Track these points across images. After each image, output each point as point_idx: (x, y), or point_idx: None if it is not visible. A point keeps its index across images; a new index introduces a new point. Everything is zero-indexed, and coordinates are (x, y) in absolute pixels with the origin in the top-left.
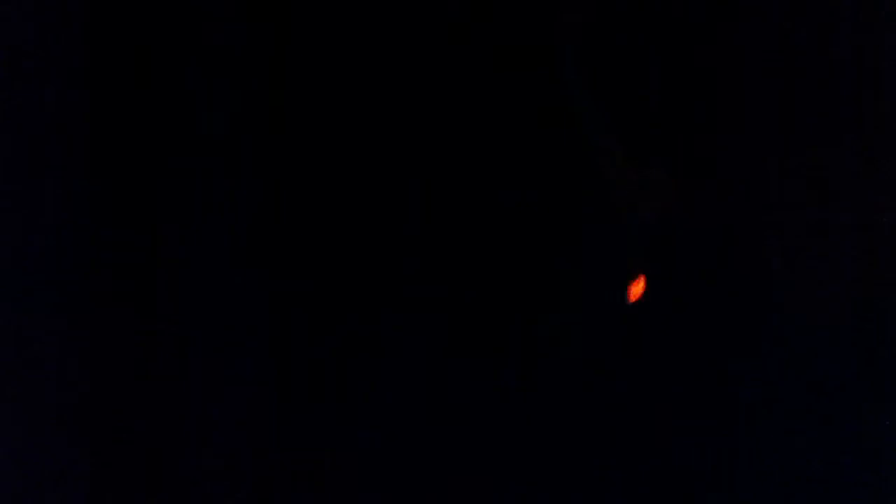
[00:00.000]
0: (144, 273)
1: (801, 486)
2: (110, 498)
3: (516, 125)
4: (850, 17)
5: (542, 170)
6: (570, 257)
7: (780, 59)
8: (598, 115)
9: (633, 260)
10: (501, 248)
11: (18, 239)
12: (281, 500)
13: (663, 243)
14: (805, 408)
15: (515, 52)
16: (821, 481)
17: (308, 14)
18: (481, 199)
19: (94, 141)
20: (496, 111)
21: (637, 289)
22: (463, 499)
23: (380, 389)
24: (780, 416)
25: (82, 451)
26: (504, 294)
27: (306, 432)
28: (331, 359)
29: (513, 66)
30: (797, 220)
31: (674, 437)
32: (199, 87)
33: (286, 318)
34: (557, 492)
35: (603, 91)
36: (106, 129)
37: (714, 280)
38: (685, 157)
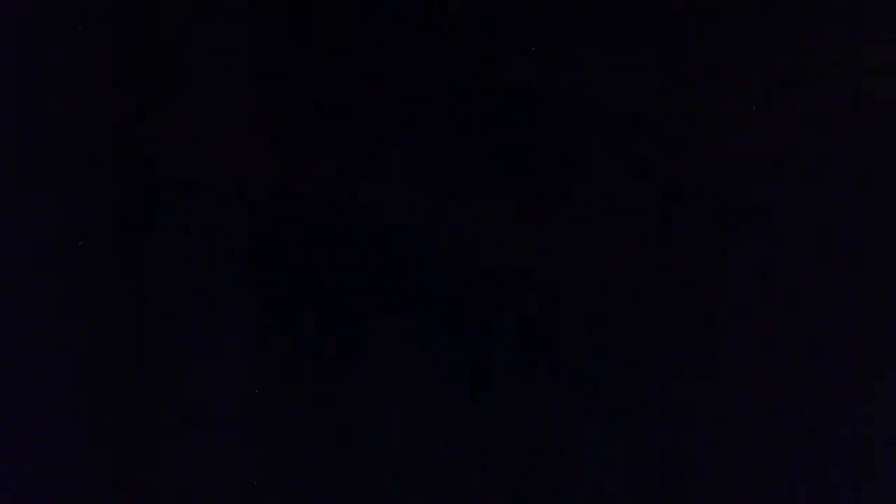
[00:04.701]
0: (144, 273)
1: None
2: (110, 496)
3: None
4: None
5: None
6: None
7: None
8: None
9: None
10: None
11: (19, 239)
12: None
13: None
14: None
15: None
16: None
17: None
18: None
19: (94, 141)
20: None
21: None
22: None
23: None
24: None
25: (81, 450)
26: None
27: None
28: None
29: None
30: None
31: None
32: (200, 86)
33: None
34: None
35: None
36: (106, 129)
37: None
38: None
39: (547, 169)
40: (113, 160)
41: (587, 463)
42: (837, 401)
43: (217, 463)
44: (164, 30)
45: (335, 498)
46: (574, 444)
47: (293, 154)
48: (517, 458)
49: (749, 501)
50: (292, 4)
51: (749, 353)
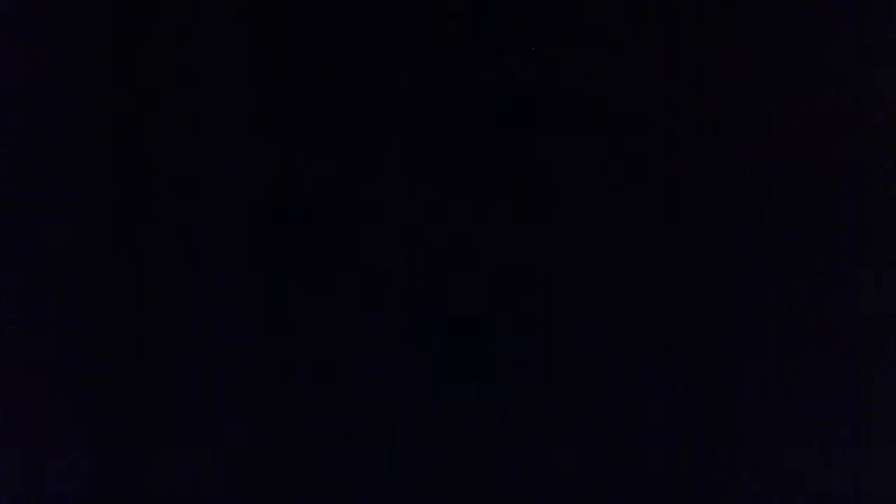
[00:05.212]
0: (144, 273)
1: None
2: (109, 496)
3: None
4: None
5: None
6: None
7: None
8: None
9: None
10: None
11: (19, 239)
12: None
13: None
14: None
15: None
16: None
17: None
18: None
19: (94, 141)
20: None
21: None
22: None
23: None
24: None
25: (82, 448)
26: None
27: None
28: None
29: None
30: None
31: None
32: (199, 85)
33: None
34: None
35: None
36: (106, 129)
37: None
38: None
39: (547, 169)
40: (112, 160)
41: (587, 463)
42: (837, 401)
43: (216, 463)
44: (164, 29)
45: (334, 498)
46: (574, 445)
47: (292, 154)
48: (516, 459)
49: (749, 501)
50: (292, 4)
51: (749, 353)
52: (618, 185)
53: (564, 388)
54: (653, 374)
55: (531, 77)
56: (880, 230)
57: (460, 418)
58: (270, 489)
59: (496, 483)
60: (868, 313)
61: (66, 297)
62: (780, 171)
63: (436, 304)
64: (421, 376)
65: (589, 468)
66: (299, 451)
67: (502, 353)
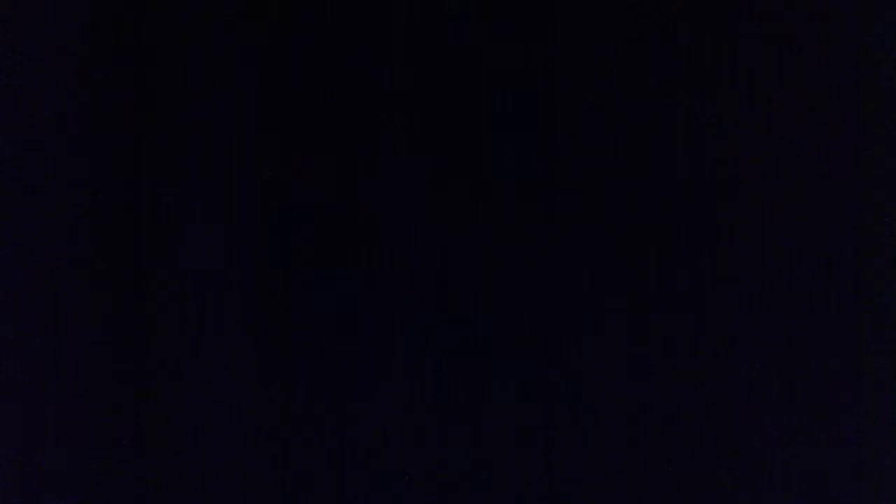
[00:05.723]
0: (143, 273)
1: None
2: (108, 498)
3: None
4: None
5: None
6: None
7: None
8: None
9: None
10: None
11: (19, 239)
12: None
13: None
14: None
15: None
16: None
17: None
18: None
19: (93, 140)
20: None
21: None
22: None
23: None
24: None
25: (81, 451)
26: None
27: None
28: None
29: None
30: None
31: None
32: (198, 85)
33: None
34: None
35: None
36: (106, 128)
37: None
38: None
39: (546, 169)
40: (112, 161)
41: (585, 465)
42: (838, 401)
43: (215, 464)
44: (164, 29)
45: (333, 498)
46: (571, 447)
47: (292, 154)
48: (517, 459)
49: (749, 502)
50: (292, 4)
51: (749, 353)
52: (618, 185)
53: (564, 388)
54: (653, 374)
55: (532, 77)
56: (881, 230)
57: (460, 419)
58: (270, 490)
59: (496, 483)
60: (868, 313)
61: (65, 298)
62: (780, 171)
63: (436, 304)
64: (421, 377)
65: (589, 468)
66: (299, 452)
67: (502, 353)
